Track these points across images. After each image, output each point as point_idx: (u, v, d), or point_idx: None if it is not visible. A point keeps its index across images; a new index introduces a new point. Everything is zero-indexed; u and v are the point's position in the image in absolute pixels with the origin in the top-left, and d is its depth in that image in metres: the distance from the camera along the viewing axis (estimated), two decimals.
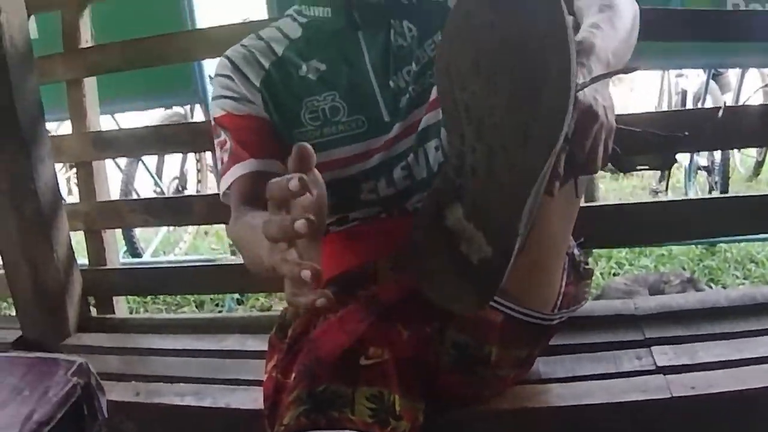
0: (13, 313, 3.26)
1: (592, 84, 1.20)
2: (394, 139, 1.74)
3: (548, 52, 1.05)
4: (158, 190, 5.18)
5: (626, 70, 1.31)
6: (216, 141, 1.80)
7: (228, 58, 1.82)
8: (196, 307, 3.85)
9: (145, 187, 5.33)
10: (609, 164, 1.27)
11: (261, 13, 3.44)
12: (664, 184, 5.23)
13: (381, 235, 1.74)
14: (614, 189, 5.50)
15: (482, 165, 1.11)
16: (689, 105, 5.09)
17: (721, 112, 1.32)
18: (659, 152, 1.34)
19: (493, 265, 1.10)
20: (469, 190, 1.14)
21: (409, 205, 1.76)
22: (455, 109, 1.17)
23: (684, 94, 5.23)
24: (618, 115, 1.28)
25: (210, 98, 1.88)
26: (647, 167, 1.30)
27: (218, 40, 2.52)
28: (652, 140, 1.36)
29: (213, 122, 1.81)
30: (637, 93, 6.54)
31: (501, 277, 1.10)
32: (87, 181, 2.94)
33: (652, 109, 5.84)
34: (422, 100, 1.74)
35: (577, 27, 1.46)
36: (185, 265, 3.73)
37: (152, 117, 4.93)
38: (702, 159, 4.67)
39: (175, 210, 2.94)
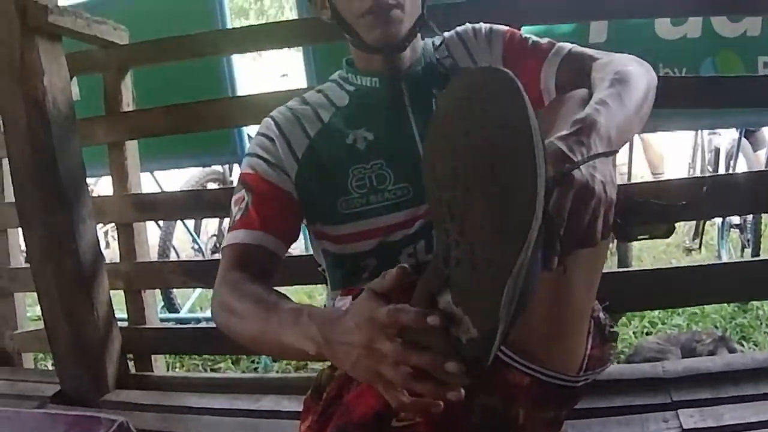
0: (50, 366, 3.32)
1: (588, 161, 1.26)
2: None
3: (516, 158, 1.12)
4: (196, 247, 5.23)
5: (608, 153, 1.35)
6: (235, 195, 1.82)
7: (274, 119, 1.87)
8: (233, 363, 3.87)
9: (183, 244, 5.41)
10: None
11: (299, 69, 3.51)
12: (697, 241, 5.24)
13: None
14: (648, 247, 5.49)
15: (465, 258, 1.17)
16: (722, 162, 5.10)
17: (705, 188, 1.36)
18: (661, 221, 1.38)
19: (479, 345, 1.15)
20: (455, 279, 1.20)
21: None
22: (440, 207, 1.23)
23: (717, 151, 5.23)
24: (624, 185, 1.33)
25: (246, 153, 1.92)
26: (647, 236, 1.34)
27: (257, 107, 2.58)
28: (655, 210, 1.40)
29: (240, 176, 1.84)
30: (672, 150, 6.54)
31: (487, 355, 1.16)
32: (127, 242, 3.02)
33: (685, 166, 5.96)
34: None
35: (588, 98, 1.52)
36: None
37: (191, 174, 5.00)
38: (734, 217, 4.67)
39: (214, 272, 2.97)
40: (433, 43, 1.94)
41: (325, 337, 1.35)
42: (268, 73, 10.46)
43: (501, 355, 1.57)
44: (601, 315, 1.77)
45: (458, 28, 1.94)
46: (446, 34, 1.95)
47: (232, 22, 4.10)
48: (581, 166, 1.25)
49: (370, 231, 1.79)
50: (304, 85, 3.31)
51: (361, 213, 1.79)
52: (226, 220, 1.88)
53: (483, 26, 1.91)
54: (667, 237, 1.30)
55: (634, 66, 1.62)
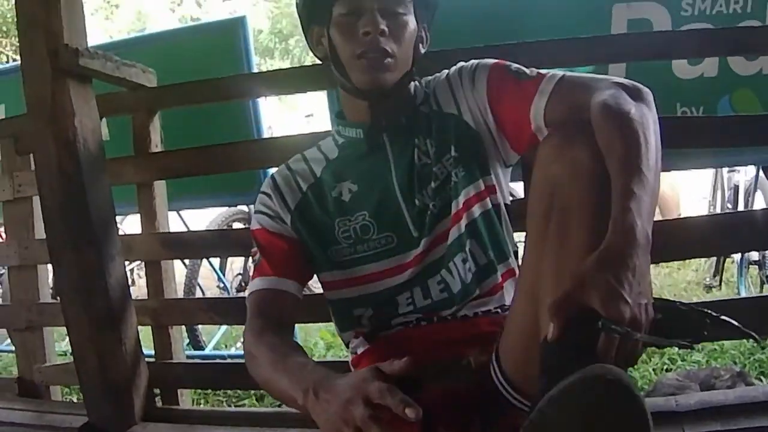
0: (76, 399, 3.37)
1: (631, 338, 1.30)
2: (423, 254, 1.86)
3: None
4: (221, 285, 5.29)
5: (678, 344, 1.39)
6: (252, 249, 1.98)
7: (273, 178, 2.02)
8: (257, 400, 3.90)
9: (208, 282, 5.47)
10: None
11: (324, 109, 3.58)
12: (717, 278, 5.25)
13: (423, 340, 1.82)
14: (669, 285, 5.50)
15: None
16: (741, 199, 5.12)
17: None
18: (693, 329, 1.42)
19: None
20: None
21: (448, 315, 1.86)
22: None
23: (736, 188, 5.25)
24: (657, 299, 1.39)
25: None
26: (677, 344, 1.39)
27: (282, 149, 2.67)
28: (690, 316, 1.44)
29: (251, 233, 1.99)
30: (691, 187, 6.54)
31: None
32: (155, 279, 3.09)
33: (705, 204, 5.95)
34: (444, 214, 1.87)
35: (586, 140, 1.56)
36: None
37: (217, 213, 5.07)
38: (753, 253, 4.68)
39: (239, 309, 3.01)
40: (416, 90, 2.01)
41: (315, 390, 1.46)
42: (293, 113, 10.58)
43: (508, 396, 1.63)
44: None
45: (450, 71, 2.00)
46: (440, 76, 2.01)
47: (258, 61, 4.16)
48: (628, 308, 1.29)
49: (359, 278, 1.90)
50: (328, 125, 3.38)
51: (349, 261, 1.91)
52: (252, 259, 1.99)
53: (470, 63, 1.96)
54: (697, 343, 1.35)
55: (635, 108, 1.60)
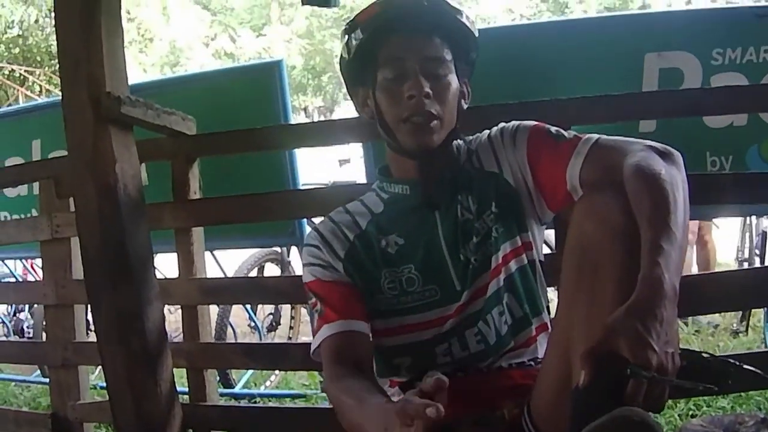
0: None
1: (658, 384, 1.36)
2: (464, 306, 1.91)
3: None
4: (253, 325, 5.35)
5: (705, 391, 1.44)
6: (309, 302, 2.02)
7: (317, 230, 2.05)
8: None
9: (240, 320, 5.55)
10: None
11: (359, 155, 3.62)
12: (744, 324, 5.24)
13: (458, 391, 1.81)
14: (696, 330, 5.48)
15: None
16: None
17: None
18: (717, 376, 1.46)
19: None
20: None
21: (483, 367, 1.91)
22: None
23: (764, 235, 5.27)
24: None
25: (302, 265, 2.08)
26: (701, 389, 1.43)
27: (318, 200, 2.75)
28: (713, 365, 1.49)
29: (305, 286, 2.02)
30: (720, 234, 6.53)
31: None
32: (191, 323, 3.13)
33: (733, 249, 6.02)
34: (484, 268, 1.92)
35: (620, 201, 1.63)
36: (279, 406, 4.00)
37: (250, 254, 5.11)
38: None
39: (272, 354, 3.13)
40: (460, 148, 2.06)
41: (386, 426, 1.46)
42: (329, 158, 10.65)
43: None
44: None
45: (492, 131, 2.06)
46: (481, 136, 2.07)
47: (291, 97, 4.20)
48: (655, 356, 1.35)
49: (402, 327, 1.95)
50: (362, 171, 3.44)
51: (393, 311, 1.95)
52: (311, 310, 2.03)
53: (512, 124, 2.02)
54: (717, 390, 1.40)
55: (665, 169, 1.66)
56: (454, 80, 1.98)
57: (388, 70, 1.95)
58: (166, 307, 6.43)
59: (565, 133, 1.94)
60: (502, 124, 2.05)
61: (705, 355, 1.49)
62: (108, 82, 2.62)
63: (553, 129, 1.97)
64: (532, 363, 1.94)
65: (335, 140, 3.14)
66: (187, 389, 3.20)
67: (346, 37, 2.03)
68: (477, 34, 2.04)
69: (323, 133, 3.07)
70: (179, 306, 3.28)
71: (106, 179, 2.66)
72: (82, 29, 2.58)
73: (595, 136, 1.89)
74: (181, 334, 3.29)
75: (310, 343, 2.05)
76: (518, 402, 1.81)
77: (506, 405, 1.82)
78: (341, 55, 2.09)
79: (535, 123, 2.00)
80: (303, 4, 3.04)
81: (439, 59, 1.95)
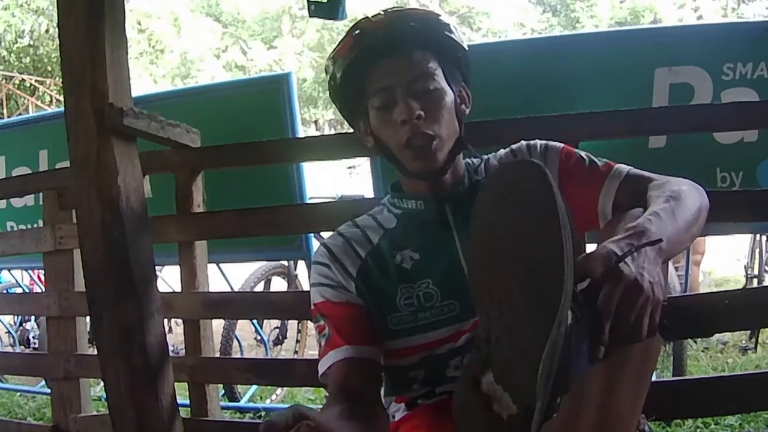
0: None
1: (634, 252, 1.36)
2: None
3: (546, 240, 1.25)
4: (259, 338, 5.30)
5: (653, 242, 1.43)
6: (315, 325, 1.96)
7: (326, 246, 1.99)
8: None
9: (246, 334, 5.50)
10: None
11: (366, 162, 3.60)
12: (753, 341, 5.22)
13: None
14: (704, 348, 5.46)
15: (503, 336, 1.28)
16: None
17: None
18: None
19: (520, 421, 1.24)
20: (495, 357, 1.30)
21: None
22: (482, 291, 1.35)
23: None
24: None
25: (309, 284, 2.04)
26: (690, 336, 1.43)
27: (325, 214, 2.73)
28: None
29: (313, 307, 1.96)
30: (730, 252, 6.52)
31: (528, 430, 1.23)
32: (194, 337, 3.10)
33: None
34: None
35: (643, 212, 1.60)
36: None
37: (257, 266, 5.09)
38: None
39: (277, 370, 3.10)
40: (473, 163, 2.04)
41: None
42: (338, 164, 10.65)
43: None
44: (646, 428, 1.81)
45: (513, 146, 2.03)
46: (501, 151, 2.05)
47: (302, 110, 4.20)
48: (631, 265, 1.34)
49: (418, 346, 1.90)
50: (369, 177, 3.42)
51: (411, 329, 1.89)
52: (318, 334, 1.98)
53: (538, 142, 1.99)
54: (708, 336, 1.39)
55: (688, 187, 1.70)
56: (446, 90, 1.93)
57: (375, 99, 1.91)
58: (172, 320, 6.48)
59: (596, 159, 1.94)
60: (524, 141, 2.02)
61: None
62: (111, 94, 2.60)
63: (583, 152, 1.96)
64: None
65: (342, 154, 3.08)
66: (188, 402, 3.18)
67: (329, 75, 2.01)
68: (455, 31, 1.98)
69: (329, 146, 3.07)
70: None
71: (109, 191, 2.63)
72: (85, 41, 2.56)
73: (626, 167, 1.90)
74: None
75: (314, 359, 2.02)
76: None
77: None
78: (329, 91, 2.06)
79: (564, 144, 1.99)
80: (310, 16, 3.01)
81: (424, 74, 1.90)
